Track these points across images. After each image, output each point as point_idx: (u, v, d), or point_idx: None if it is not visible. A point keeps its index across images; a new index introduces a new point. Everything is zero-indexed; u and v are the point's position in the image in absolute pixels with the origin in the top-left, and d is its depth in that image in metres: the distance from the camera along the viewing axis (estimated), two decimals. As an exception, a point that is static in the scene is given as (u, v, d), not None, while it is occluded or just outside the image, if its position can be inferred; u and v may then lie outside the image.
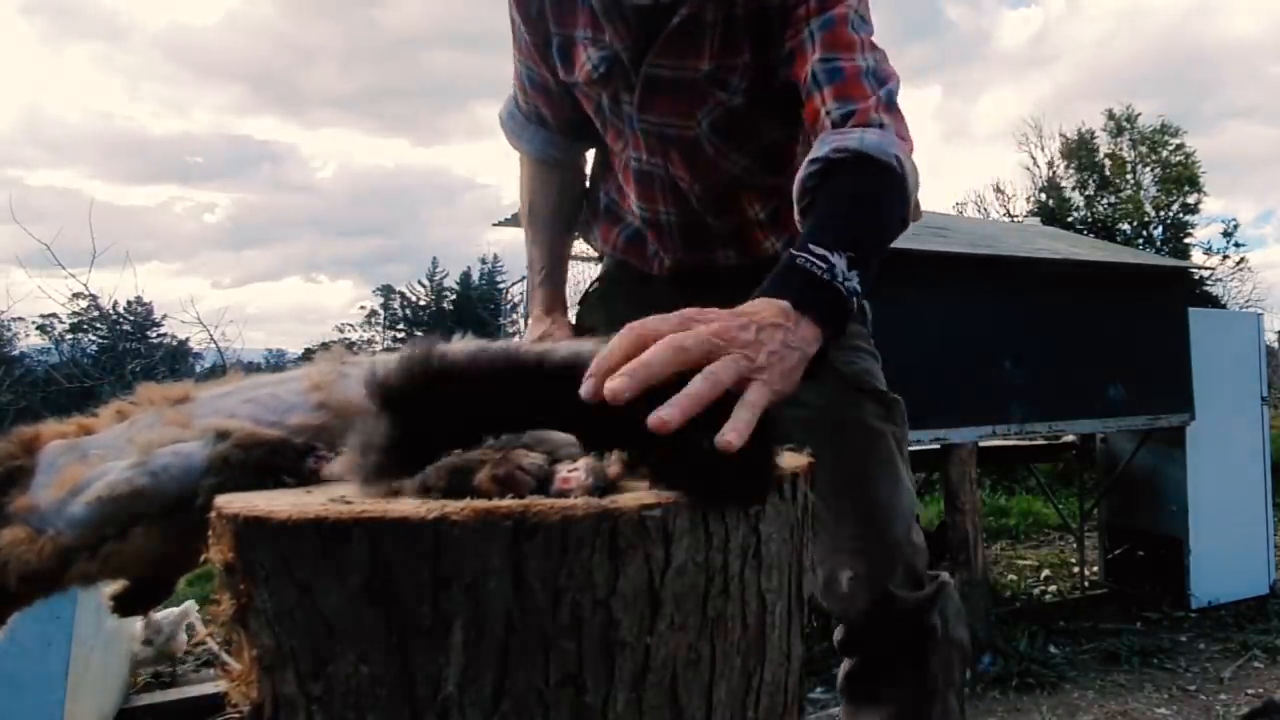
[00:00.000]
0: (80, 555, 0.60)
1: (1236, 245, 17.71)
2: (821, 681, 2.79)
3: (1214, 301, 15.16)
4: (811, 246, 0.73)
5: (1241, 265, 17.55)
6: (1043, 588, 4.17)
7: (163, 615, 2.87)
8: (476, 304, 24.95)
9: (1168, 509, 3.75)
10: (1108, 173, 17.99)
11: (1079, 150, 18.22)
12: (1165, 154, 17.97)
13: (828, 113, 0.92)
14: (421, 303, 30.63)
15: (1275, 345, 10.41)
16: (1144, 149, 18.19)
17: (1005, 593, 4.01)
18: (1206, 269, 14.10)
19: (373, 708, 0.44)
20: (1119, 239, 15.78)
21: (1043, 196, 17.98)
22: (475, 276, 30.65)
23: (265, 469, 0.60)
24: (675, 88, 1.04)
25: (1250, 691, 2.88)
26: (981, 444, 3.48)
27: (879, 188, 0.87)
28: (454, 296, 30.04)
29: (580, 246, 1.36)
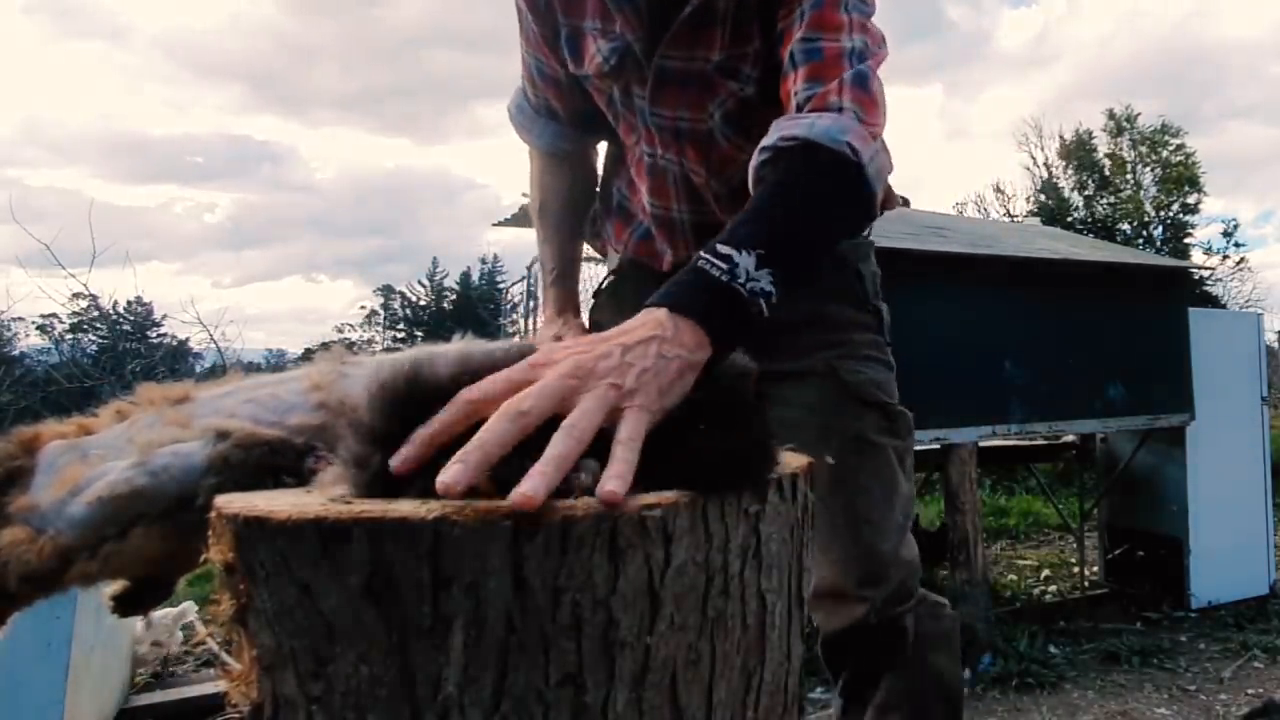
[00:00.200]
0: (80, 555, 0.60)
1: (1236, 245, 17.75)
2: (821, 681, 2.79)
3: (1214, 301, 15.17)
4: (718, 245, 0.68)
5: (1241, 265, 17.58)
6: (1043, 588, 4.17)
7: (160, 615, 2.87)
8: (476, 304, 24.94)
9: (1168, 509, 3.75)
10: (1107, 173, 17.99)
11: (1077, 151, 18.22)
12: (1165, 154, 17.98)
13: (795, 95, 0.87)
14: (421, 303, 30.65)
15: (1275, 345, 10.41)
16: (1144, 149, 18.19)
17: (1005, 593, 4.01)
18: (1206, 269, 14.11)
19: (373, 708, 0.44)
20: (1119, 239, 15.78)
21: (1042, 196, 17.98)
22: (475, 276, 30.69)
23: (265, 469, 0.60)
24: (686, 79, 1.00)
25: (1250, 691, 2.88)
26: (981, 444, 3.48)
27: (818, 179, 0.80)
28: (454, 296, 30.05)
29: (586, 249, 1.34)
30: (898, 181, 1.06)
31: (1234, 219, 24.94)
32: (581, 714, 0.45)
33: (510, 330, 8.22)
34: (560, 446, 0.48)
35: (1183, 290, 3.87)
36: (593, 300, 1.30)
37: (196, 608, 3.07)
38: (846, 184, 0.81)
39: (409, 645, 0.44)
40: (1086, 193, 17.99)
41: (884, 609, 1.05)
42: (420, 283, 31.25)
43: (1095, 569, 4.21)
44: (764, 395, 1.13)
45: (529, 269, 6.57)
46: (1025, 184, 19.74)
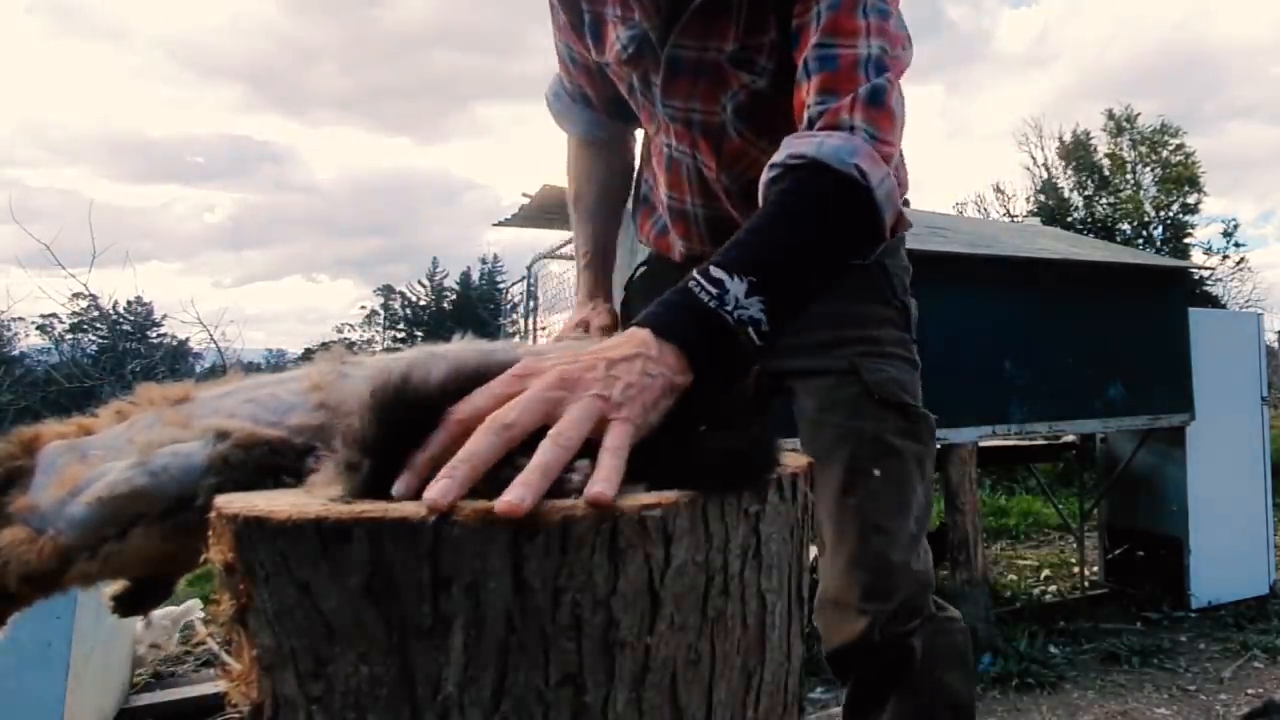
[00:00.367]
0: (80, 555, 0.60)
1: (1236, 245, 17.73)
2: (821, 681, 2.79)
3: (1214, 301, 15.17)
4: (711, 268, 0.66)
5: (1241, 265, 17.56)
6: (1043, 588, 4.17)
7: (161, 615, 2.87)
8: (476, 304, 24.93)
9: (1168, 509, 3.75)
10: (1107, 173, 17.99)
11: (1076, 151, 18.22)
12: (1165, 154, 17.98)
13: (808, 108, 0.84)
14: (421, 303, 30.63)
15: (1275, 345, 10.41)
16: (1144, 149, 18.19)
17: (1005, 593, 4.01)
18: (1206, 269, 14.11)
19: (373, 708, 0.44)
20: (1119, 239, 15.78)
21: (1042, 196, 17.98)
22: (475, 276, 30.67)
23: (265, 469, 0.60)
24: (698, 70, 0.98)
25: (1250, 691, 2.88)
26: (981, 444, 3.48)
27: (822, 201, 0.77)
28: (454, 296, 30.04)
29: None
30: (899, 181, 1.05)
31: (1234, 219, 24.93)
32: (581, 714, 0.45)
33: (510, 330, 8.22)
34: (547, 455, 0.48)
35: (1183, 290, 3.87)
36: (624, 290, 1.29)
37: (201, 605, 3.07)
38: (852, 207, 0.78)
39: (409, 645, 0.44)
40: (1086, 193, 17.99)
41: (889, 626, 0.99)
42: (420, 283, 31.26)
43: (1095, 569, 4.20)
44: (785, 391, 1.12)
45: (529, 269, 6.57)
46: (1025, 184, 19.77)
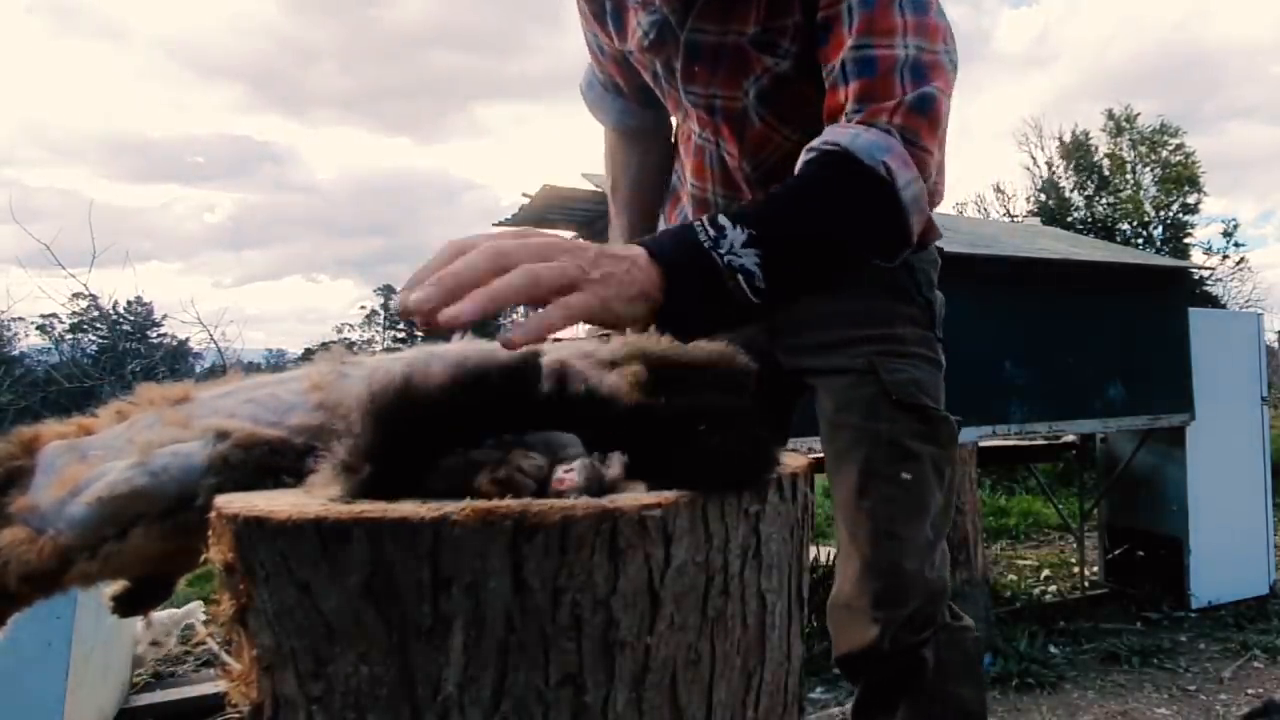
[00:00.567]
0: (80, 555, 0.60)
1: (1236, 245, 17.72)
2: (822, 681, 2.79)
3: (1214, 301, 15.16)
4: (719, 216, 0.69)
5: (1241, 265, 17.56)
6: (1043, 588, 4.17)
7: (163, 615, 2.87)
8: (476, 304, 24.84)
9: (1168, 509, 3.75)
10: (1107, 173, 17.99)
11: (1075, 151, 18.22)
12: (1165, 154, 17.97)
13: (846, 114, 0.83)
14: (422, 303, 30.51)
15: (1275, 345, 10.41)
16: (1144, 149, 18.19)
17: (1005, 593, 4.01)
18: (1206, 269, 14.10)
19: (373, 708, 0.44)
20: (1119, 239, 15.78)
21: (1043, 196, 17.97)
22: (475, 276, 30.57)
23: (265, 469, 0.60)
24: (718, 54, 0.96)
25: (1250, 691, 2.88)
26: (981, 444, 3.48)
27: (843, 187, 0.78)
28: (454, 296, 29.93)
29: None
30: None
31: (1234, 219, 24.94)
32: (581, 714, 0.45)
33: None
34: (513, 277, 0.52)
35: (1183, 290, 3.87)
36: None
37: (203, 605, 3.07)
38: (874, 201, 0.78)
39: (409, 645, 0.44)
40: (1086, 193, 17.99)
41: (900, 635, 0.97)
42: (420, 283, 31.11)
43: (1095, 569, 4.20)
44: (808, 390, 1.10)
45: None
46: (1025, 184, 19.76)
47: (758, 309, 0.69)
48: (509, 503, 0.45)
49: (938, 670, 1.00)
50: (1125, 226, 17.25)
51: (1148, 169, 18.09)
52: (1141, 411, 3.55)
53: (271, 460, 0.60)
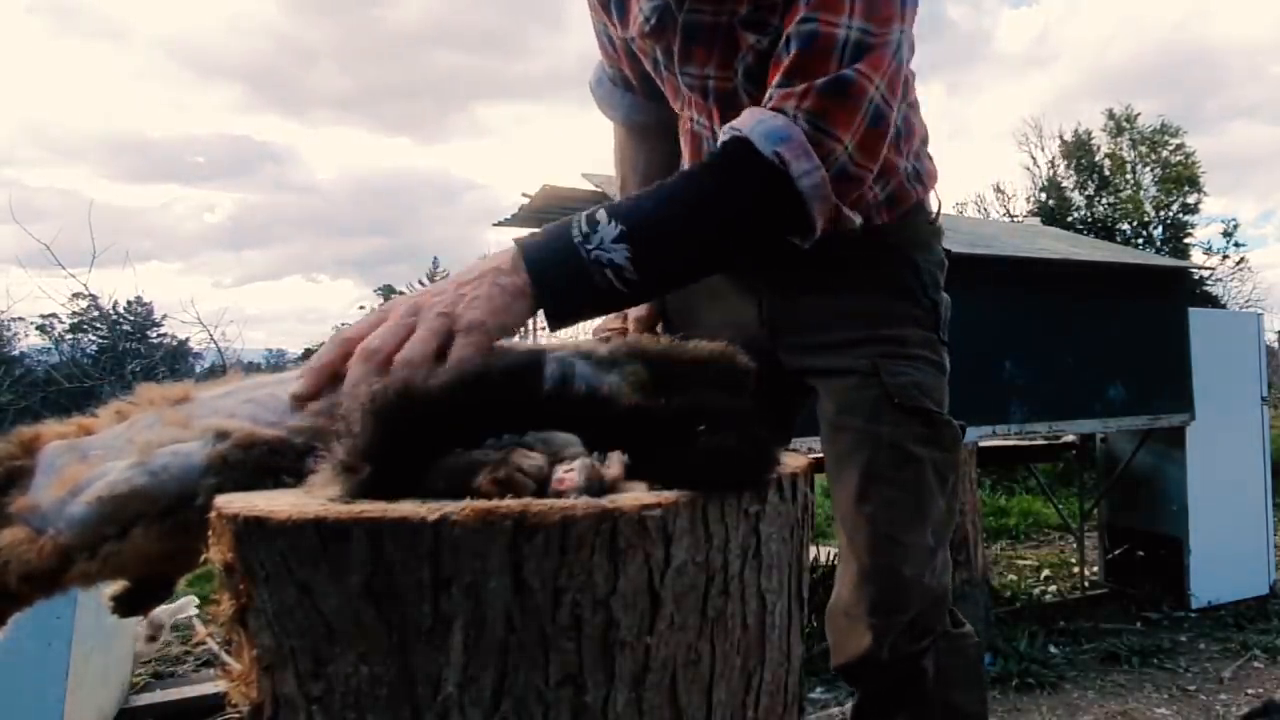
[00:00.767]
0: (80, 555, 0.60)
1: (1236, 245, 17.72)
2: (821, 682, 2.79)
3: (1214, 301, 15.16)
4: (601, 208, 0.73)
5: (1241, 265, 17.55)
6: (1043, 588, 4.17)
7: (159, 610, 2.87)
8: (476, 304, 24.83)
9: (1168, 509, 3.75)
10: (1107, 173, 17.98)
11: (1076, 151, 18.22)
12: (1165, 154, 17.97)
13: (771, 86, 0.82)
14: (421, 303, 30.56)
15: (1275, 345, 10.41)
16: (1144, 149, 18.18)
17: (1005, 593, 4.01)
18: (1206, 269, 14.10)
19: (373, 708, 0.44)
20: (1119, 239, 15.78)
21: (1043, 196, 17.97)
22: (475, 276, 30.59)
23: (265, 469, 0.60)
24: (713, 34, 0.95)
25: (1250, 691, 2.88)
26: (981, 444, 3.48)
27: (730, 176, 0.78)
28: (454, 296, 29.95)
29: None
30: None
31: (1234, 219, 24.89)
32: (581, 714, 0.45)
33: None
34: (399, 369, 0.59)
35: (1183, 290, 3.87)
36: None
37: (197, 602, 3.07)
38: (766, 190, 0.78)
39: (409, 645, 0.44)
40: (1086, 193, 17.98)
41: (899, 643, 0.96)
42: (420, 283, 31.17)
43: (1095, 569, 4.20)
44: (811, 391, 1.10)
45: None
46: (1025, 184, 19.77)
47: (630, 299, 0.75)
48: (509, 503, 0.45)
49: (938, 678, 0.99)
50: (1125, 226, 17.24)
51: (1148, 169, 18.08)
52: (1141, 411, 3.55)
53: (271, 460, 0.60)
